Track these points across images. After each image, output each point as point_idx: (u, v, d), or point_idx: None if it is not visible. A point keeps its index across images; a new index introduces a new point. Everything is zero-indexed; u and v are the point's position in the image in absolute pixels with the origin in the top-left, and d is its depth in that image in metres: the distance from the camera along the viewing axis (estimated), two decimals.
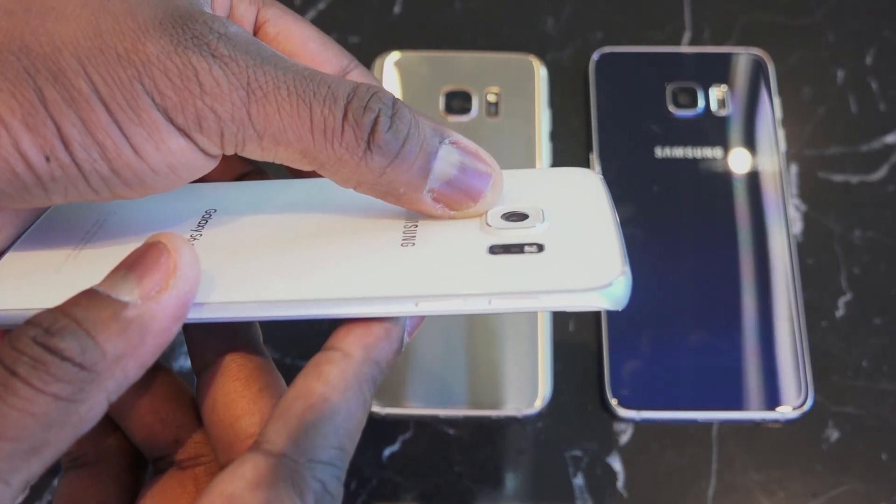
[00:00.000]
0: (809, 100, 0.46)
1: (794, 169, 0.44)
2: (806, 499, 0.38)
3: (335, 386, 0.20)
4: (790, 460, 0.39)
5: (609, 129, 0.43)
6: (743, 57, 0.45)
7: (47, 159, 0.20)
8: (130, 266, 0.20)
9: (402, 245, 0.23)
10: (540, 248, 0.22)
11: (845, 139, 0.45)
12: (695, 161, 0.42)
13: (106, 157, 0.20)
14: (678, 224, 0.41)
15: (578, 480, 0.38)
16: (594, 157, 0.43)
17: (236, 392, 0.23)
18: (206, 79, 0.20)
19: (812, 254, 0.42)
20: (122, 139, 0.20)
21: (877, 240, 0.43)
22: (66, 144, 0.20)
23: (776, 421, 0.38)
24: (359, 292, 0.21)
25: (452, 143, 0.22)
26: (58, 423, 0.18)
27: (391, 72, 0.44)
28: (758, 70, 0.45)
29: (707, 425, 0.39)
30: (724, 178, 0.42)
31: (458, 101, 0.43)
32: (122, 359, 0.19)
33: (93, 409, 0.19)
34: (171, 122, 0.21)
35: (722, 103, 0.44)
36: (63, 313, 0.19)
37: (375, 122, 0.21)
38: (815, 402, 0.39)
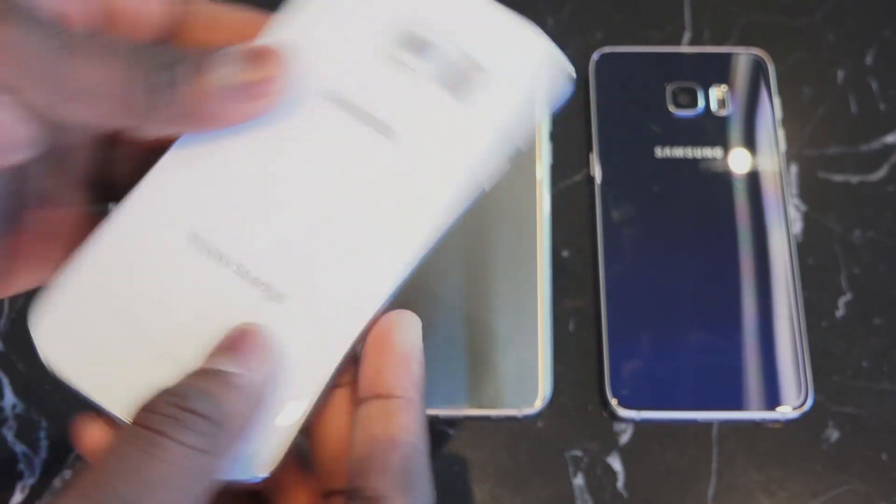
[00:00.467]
0: (809, 100, 0.46)
1: (794, 169, 0.44)
2: (806, 499, 0.38)
3: (416, 433, 0.23)
4: (790, 460, 0.39)
5: (609, 129, 0.43)
6: (743, 57, 0.45)
7: None
8: (228, 348, 0.22)
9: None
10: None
11: (845, 139, 0.45)
12: (695, 161, 0.42)
13: None
14: (678, 224, 0.41)
15: (578, 480, 0.38)
16: (594, 157, 0.43)
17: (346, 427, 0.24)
18: None
19: (812, 254, 0.42)
20: None
21: (877, 240, 0.43)
22: None
23: (776, 421, 0.38)
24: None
25: (226, 51, 0.23)
26: (200, 474, 0.20)
27: None
28: (758, 70, 0.45)
29: (707, 425, 0.39)
30: (724, 179, 0.42)
31: None
32: (241, 416, 0.22)
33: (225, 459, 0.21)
34: None
35: (722, 103, 0.44)
36: (186, 385, 0.21)
37: (155, 70, 0.22)
38: (815, 402, 0.39)
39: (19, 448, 0.39)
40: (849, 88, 0.46)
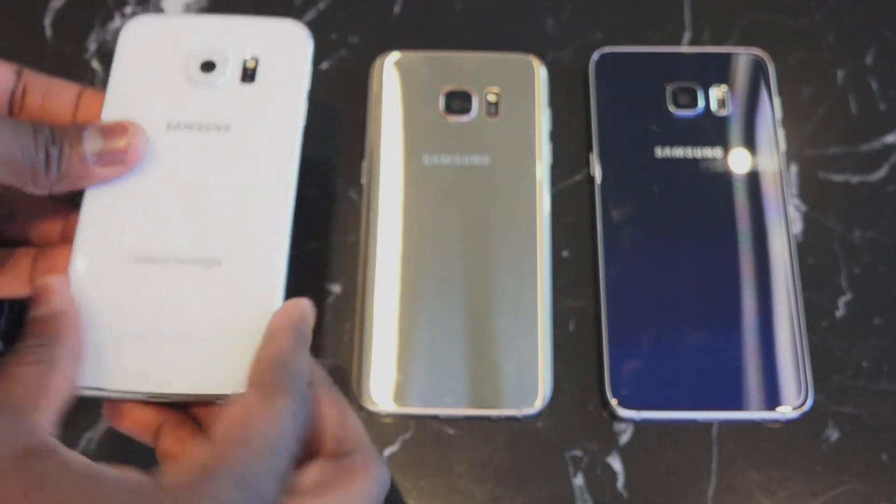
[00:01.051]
0: (809, 100, 0.46)
1: (794, 169, 0.44)
2: (806, 499, 0.38)
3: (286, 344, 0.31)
4: (790, 460, 0.39)
5: (609, 128, 0.43)
6: (743, 57, 0.45)
7: None
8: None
9: None
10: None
11: (845, 139, 0.45)
12: (695, 161, 0.42)
13: None
14: (678, 224, 0.41)
15: (578, 480, 0.38)
16: (594, 157, 0.43)
17: None
18: None
19: (812, 254, 0.42)
20: None
21: (877, 240, 0.43)
22: None
23: (776, 421, 0.38)
24: None
25: (91, 128, 0.32)
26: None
27: (391, 72, 0.44)
28: (758, 70, 0.45)
29: (707, 425, 0.39)
30: (724, 178, 0.42)
31: (458, 102, 0.43)
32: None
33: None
34: None
35: (722, 103, 0.43)
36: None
37: (46, 145, 0.31)
38: (815, 402, 0.39)
39: None
40: (849, 88, 0.46)
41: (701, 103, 0.43)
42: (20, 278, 0.34)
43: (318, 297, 0.41)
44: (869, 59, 0.46)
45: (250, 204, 0.35)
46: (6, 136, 0.30)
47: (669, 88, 0.44)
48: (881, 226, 0.43)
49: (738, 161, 0.42)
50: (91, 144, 0.32)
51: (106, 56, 0.46)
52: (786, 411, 0.38)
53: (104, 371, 0.33)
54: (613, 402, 0.38)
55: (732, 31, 0.47)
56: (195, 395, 0.32)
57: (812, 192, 0.44)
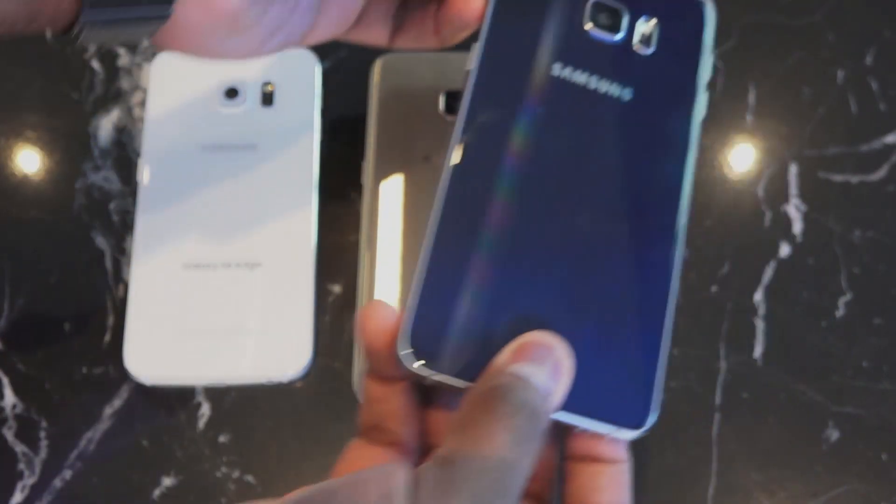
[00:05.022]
0: (809, 100, 0.46)
1: (793, 169, 0.44)
2: (806, 499, 0.38)
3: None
4: (790, 460, 0.39)
5: (504, 29, 0.33)
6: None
7: None
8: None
9: None
10: None
11: (845, 139, 0.45)
12: (594, 94, 0.33)
13: None
14: (553, 161, 0.31)
15: None
16: (474, 51, 0.32)
17: None
18: None
19: (812, 254, 0.42)
20: None
21: (877, 240, 0.43)
22: None
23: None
24: None
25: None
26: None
27: (391, 72, 0.44)
28: (699, 16, 0.35)
29: (707, 425, 0.39)
30: (621, 128, 0.32)
31: (458, 102, 0.43)
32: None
33: None
34: None
35: (647, 40, 0.34)
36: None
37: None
38: (815, 402, 0.39)
39: (19, 448, 0.39)
40: (849, 88, 0.46)
41: (623, 31, 0.34)
42: (427, 29, 0.35)
43: (319, 297, 0.41)
44: (869, 59, 0.46)
45: (280, 211, 0.40)
46: None
47: (591, 2, 0.34)
48: (881, 226, 0.43)
49: (643, 113, 0.33)
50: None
51: (106, 57, 0.46)
52: (616, 430, 0.28)
53: (166, 364, 0.38)
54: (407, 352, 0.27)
55: (732, 31, 0.47)
56: (249, 382, 0.39)
57: (812, 192, 0.44)
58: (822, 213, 0.43)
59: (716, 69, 0.46)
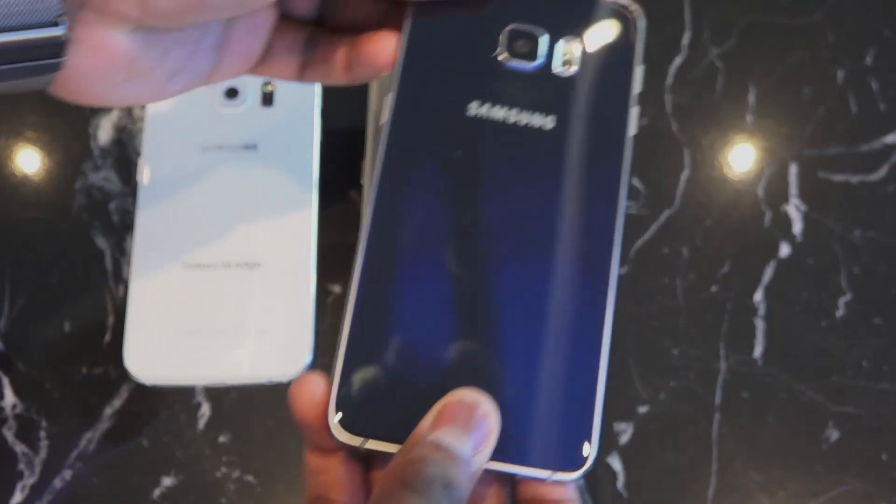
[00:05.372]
0: (809, 100, 0.46)
1: (793, 169, 0.44)
2: (806, 499, 0.38)
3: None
4: (790, 460, 0.39)
5: (417, 69, 0.31)
6: (609, 7, 0.34)
7: None
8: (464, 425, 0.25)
9: None
10: None
11: (845, 139, 0.45)
12: (516, 127, 0.31)
13: None
14: (479, 201, 0.30)
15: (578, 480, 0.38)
16: (388, 102, 0.31)
17: None
18: None
19: (812, 254, 0.42)
20: None
21: (877, 240, 0.43)
22: None
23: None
24: None
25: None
26: None
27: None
28: (626, 28, 0.34)
29: (707, 425, 0.39)
30: (549, 159, 0.31)
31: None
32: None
33: None
34: None
35: (568, 60, 0.32)
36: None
37: None
38: (816, 402, 0.39)
39: (19, 448, 0.39)
40: (849, 88, 0.46)
41: (541, 56, 0.32)
42: (337, 67, 0.33)
43: (319, 297, 0.41)
44: (869, 59, 0.46)
45: (280, 212, 0.41)
46: None
47: (506, 30, 0.32)
48: (881, 226, 0.43)
49: (571, 137, 0.31)
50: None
51: None
52: (561, 476, 0.27)
53: (166, 364, 0.38)
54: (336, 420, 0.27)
55: (732, 30, 0.47)
56: (249, 382, 0.38)
57: (812, 192, 0.44)
58: (822, 213, 0.43)
59: (716, 69, 0.46)
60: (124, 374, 0.39)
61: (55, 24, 0.25)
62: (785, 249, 0.42)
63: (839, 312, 0.41)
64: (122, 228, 0.42)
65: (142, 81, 0.29)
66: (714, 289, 0.42)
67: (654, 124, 0.45)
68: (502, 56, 0.32)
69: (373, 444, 0.26)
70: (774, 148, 0.45)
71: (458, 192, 0.30)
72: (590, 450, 0.27)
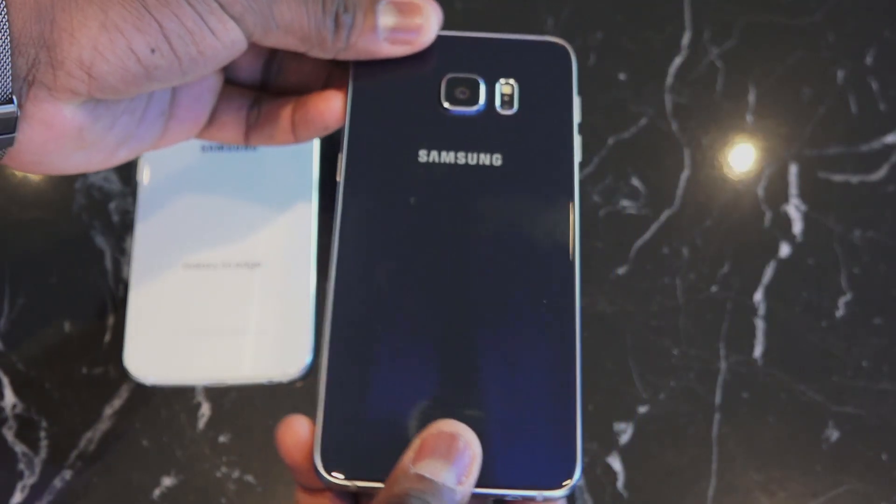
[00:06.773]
0: (809, 100, 0.46)
1: (793, 169, 0.44)
2: (806, 499, 0.38)
3: None
4: (790, 460, 0.39)
5: (364, 123, 0.34)
6: (540, 46, 0.35)
7: (153, 51, 0.27)
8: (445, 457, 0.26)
9: None
10: None
11: (845, 139, 0.45)
12: (467, 168, 0.33)
13: (194, 41, 0.28)
14: (436, 245, 0.32)
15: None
16: (341, 159, 0.34)
17: None
18: None
19: (812, 254, 0.42)
20: (203, 26, 0.28)
21: (877, 240, 0.43)
22: (166, 37, 0.27)
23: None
24: None
25: (388, 2, 0.31)
26: None
27: None
28: (560, 62, 0.35)
29: (707, 425, 0.39)
30: (499, 195, 0.32)
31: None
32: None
33: None
34: (228, 13, 0.28)
35: (508, 100, 0.34)
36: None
37: (337, 11, 0.30)
38: (815, 402, 0.39)
39: (19, 448, 0.39)
40: (849, 88, 0.46)
41: (481, 100, 0.34)
42: (283, 128, 0.35)
43: (319, 297, 0.41)
44: (869, 59, 0.46)
45: (280, 212, 0.41)
46: (293, 4, 0.30)
47: (445, 79, 0.34)
48: (881, 226, 0.43)
49: (520, 172, 0.33)
50: (385, 18, 0.31)
51: None
52: (550, 493, 0.28)
53: (166, 364, 0.38)
54: (320, 464, 0.28)
55: (732, 31, 0.47)
56: (249, 382, 0.39)
57: (812, 192, 0.44)
58: (822, 213, 0.43)
59: (716, 69, 0.46)
60: (124, 374, 0.39)
61: (10, 102, 0.26)
62: (785, 249, 0.42)
63: (839, 312, 0.41)
64: (122, 228, 0.42)
65: (91, 150, 0.30)
66: (714, 289, 0.42)
67: (654, 124, 0.45)
68: (445, 104, 0.34)
69: (360, 484, 0.27)
70: (774, 148, 0.45)
71: (419, 236, 0.32)
72: (575, 465, 0.28)
